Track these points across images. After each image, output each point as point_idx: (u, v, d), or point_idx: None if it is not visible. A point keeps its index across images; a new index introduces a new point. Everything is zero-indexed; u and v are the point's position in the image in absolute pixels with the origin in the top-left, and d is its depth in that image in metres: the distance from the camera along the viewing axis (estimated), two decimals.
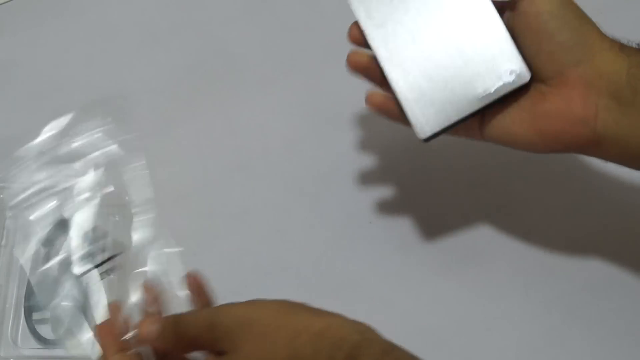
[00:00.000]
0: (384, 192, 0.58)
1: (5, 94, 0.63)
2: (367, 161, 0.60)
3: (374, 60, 0.47)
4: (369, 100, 0.48)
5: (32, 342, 0.52)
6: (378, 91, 0.48)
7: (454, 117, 0.45)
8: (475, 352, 0.53)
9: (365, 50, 0.48)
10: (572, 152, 0.46)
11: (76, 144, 0.61)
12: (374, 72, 0.48)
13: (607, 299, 0.54)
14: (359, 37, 0.48)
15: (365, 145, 0.59)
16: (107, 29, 0.67)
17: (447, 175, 0.59)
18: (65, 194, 0.57)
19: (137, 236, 0.56)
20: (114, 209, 0.57)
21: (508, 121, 0.46)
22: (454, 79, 0.45)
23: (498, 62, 0.45)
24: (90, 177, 0.57)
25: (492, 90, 0.45)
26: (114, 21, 0.68)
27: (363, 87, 0.64)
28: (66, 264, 0.54)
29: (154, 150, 0.60)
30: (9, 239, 0.55)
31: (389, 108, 0.48)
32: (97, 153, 0.59)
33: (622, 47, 0.43)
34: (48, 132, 0.61)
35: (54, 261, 0.54)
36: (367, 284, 0.55)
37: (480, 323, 0.54)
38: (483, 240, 0.56)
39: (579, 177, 0.58)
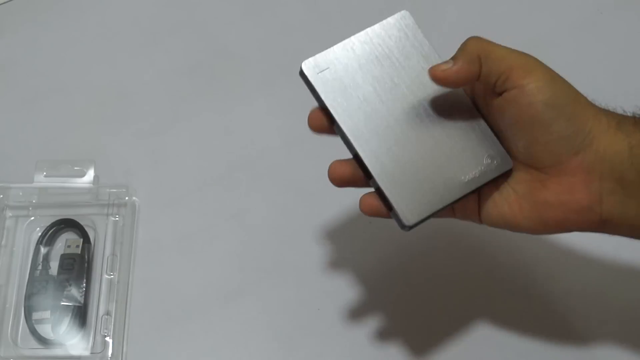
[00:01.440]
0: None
1: (5, 93, 0.63)
2: None
3: (354, 160, 0.45)
4: (363, 204, 0.45)
5: (32, 342, 0.52)
6: (368, 193, 0.45)
7: (436, 205, 0.43)
8: None
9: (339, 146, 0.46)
10: (578, 231, 0.44)
11: (76, 144, 0.61)
12: (358, 178, 0.45)
13: None
14: (321, 124, 0.45)
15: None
16: (107, 29, 0.67)
17: None
18: (65, 194, 0.57)
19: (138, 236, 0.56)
20: (114, 209, 0.57)
21: (507, 209, 0.44)
22: (434, 168, 0.44)
23: (477, 150, 0.44)
24: (89, 177, 0.57)
25: (474, 177, 0.44)
26: (114, 21, 0.68)
27: None
28: (66, 264, 0.54)
29: (153, 151, 0.60)
30: (9, 239, 0.55)
31: (379, 208, 0.45)
32: (96, 153, 0.59)
33: (619, 125, 0.41)
34: (48, 131, 0.61)
35: (54, 261, 0.54)
36: (367, 283, 0.55)
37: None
38: (485, 233, 0.56)
39: None
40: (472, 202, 0.45)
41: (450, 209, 0.45)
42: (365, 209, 0.45)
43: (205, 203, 0.58)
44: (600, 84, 0.64)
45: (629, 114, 0.43)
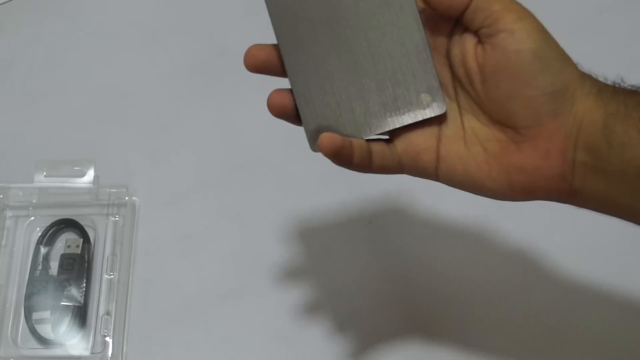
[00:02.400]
0: (384, 192, 0.58)
1: (5, 93, 0.63)
2: None
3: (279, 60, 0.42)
4: (271, 99, 0.43)
5: (32, 342, 0.52)
6: (282, 90, 0.43)
7: (354, 137, 0.41)
8: None
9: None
10: (544, 200, 0.42)
11: (76, 144, 0.61)
12: (275, 68, 0.43)
13: None
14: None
15: None
16: (107, 29, 0.67)
17: None
18: (66, 194, 0.57)
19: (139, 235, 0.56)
20: (114, 209, 0.57)
21: (474, 167, 0.41)
22: (362, 98, 0.41)
23: (413, 87, 0.41)
24: (89, 177, 0.57)
25: (400, 115, 0.41)
26: (114, 21, 0.68)
27: None
28: (66, 263, 0.54)
29: (154, 151, 0.60)
30: (9, 239, 0.55)
31: (288, 111, 0.43)
32: (96, 153, 0.59)
33: (599, 92, 0.39)
34: (48, 131, 0.61)
35: (54, 261, 0.54)
36: (367, 283, 0.55)
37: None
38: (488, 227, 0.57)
39: None
40: (428, 153, 0.42)
41: (397, 164, 0.42)
42: (273, 108, 0.43)
43: (205, 203, 0.58)
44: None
45: (609, 82, 0.40)
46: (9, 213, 0.56)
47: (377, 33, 0.41)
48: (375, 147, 0.42)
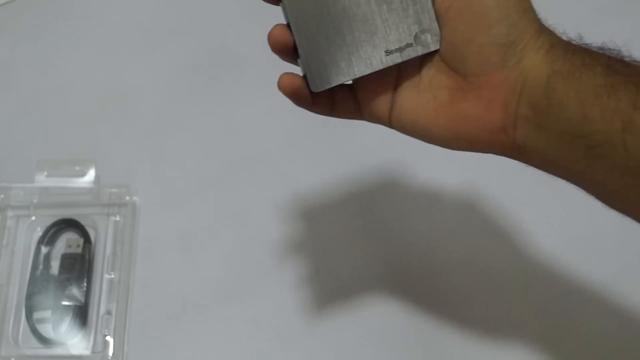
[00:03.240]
0: (384, 192, 0.58)
1: (6, 94, 0.63)
2: (367, 161, 0.60)
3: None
4: (271, 36, 0.44)
5: (33, 342, 0.52)
6: (283, 26, 0.43)
7: (353, 74, 0.41)
8: None
9: None
10: (489, 152, 0.42)
11: (77, 144, 0.61)
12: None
13: None
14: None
15: (365, 144, 0.59)
16: (107, 30, 0.67)
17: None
18: (66, 194, 0.57)
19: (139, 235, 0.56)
20: (115, 208, 0.57)
21: (422, 115, 0.42)
22: (360, 33, 0.41)
23: (410, 24, 0.41)
24: (90, 177, 0.58)
25: (399, 52, 0.41)
26: (114, 22, 0.68)
27: None
28: (67, 263, 0.54)
29: (154, 151, 0.61)
30: (10, 239, 0.55)
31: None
32: (97, 153, 0.59)
33: (551, 48, 0.39)
34: (49, 131, 0.61)
35: (55, 261, 0.54)
36: (368, 283, 0.55)
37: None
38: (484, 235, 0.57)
39: None
40: (383, 101, 0.43)
41: (356, 109, 0.43)
42: (273, 42, 0.43)
43: (206, 203, 0.58)
44: None
45: (564, 39, 0.40)
46: (10, 213, 0.56)
47: None
48: (339, 93, 0.43)
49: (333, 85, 0.41)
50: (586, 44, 0.40)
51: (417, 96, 0.42)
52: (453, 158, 0.60)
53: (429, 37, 0.42)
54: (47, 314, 0.52)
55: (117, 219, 0.56)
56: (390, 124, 0.43)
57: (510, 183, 0.59)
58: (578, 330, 0.53)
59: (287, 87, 0.42)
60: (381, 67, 0.41)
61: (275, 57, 0.68)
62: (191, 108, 0.63)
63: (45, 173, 0.58)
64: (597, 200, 0.39)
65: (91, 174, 0.58)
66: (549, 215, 0.57)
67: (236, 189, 0.59)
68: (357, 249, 0.56)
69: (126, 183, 0.58)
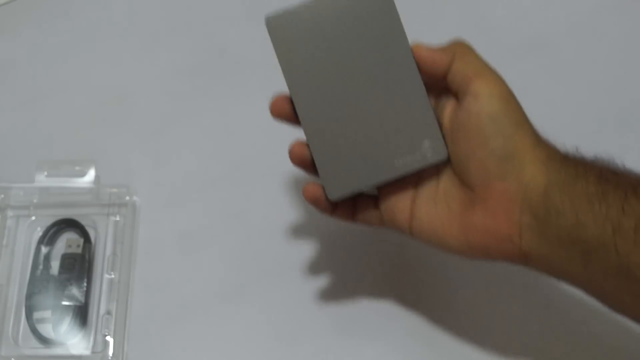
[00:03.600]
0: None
1: (6, 93, 0.63)
2: None
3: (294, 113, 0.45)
4: (291, 152, 0.47)
5: (33, 342, 0.52)
6: (302, 142, 0.46)
7: (363, 184, 0.44)
8: None
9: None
10: (502, 261, 0.44)
11: (77, 144, 0.61)
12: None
13: None
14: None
15: None
16: (107, 30, 0.67)
17: None
18: (66, 194, 0.57)
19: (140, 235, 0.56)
20: (115, 208, 0.57)
21: (439, 225, 0.45)
22: (370, 145, 0.44)
23: (418, 136, 0.44)
24: (90, 177, 0.58)
25: (407, 161, 0.44)
26: (114, 21, 0.68)
27: None
28: (67, 263, 0.54)
29: (154, 151, 0.61)
30: (10, 239, 0.55)
31: (307, 164, 0.47)
32: (97, 153, 0.59)
33: (548, 159, 0.42)
34: (49, 131, 0.61)
35: (55, 261, 0.54)
36: (368, 283, 0.55)
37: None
38: None
39: None
40: (403, 211, 0.46)
41: (378, 217, 0.47)
42: (293, 158, 0.47)
43: (206, 203, 0.58)
44: (600, 84, 0.65)
45: (561, 150, 0.43)
46: (10, 213, 0.56)
47: (381, 85, 0.44)
48: (361, 202, 0.47)
49: (347, 195, 0.44)
50: (581, 155, 0.43)
51: (434, 206, 0.45)
52: None
53: (435, 149, 0.44)
54: (47, 314, 0.52)
55: (117, 219, 0.56)
56: (411, 234, 0.46)
57: None
58: (578, 329, 0.53)
59: (310, 196, 0.47)
60: (391, 177, 0.44)
61: (274, 58, 0.68)
62: (191, 108, 0.63)
63: (45, 173, 0.58)
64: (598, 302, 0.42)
65: (91, 174, 0.58)
66: None
67: (236, 189, 0.59)
68: (358, 248, 0.56)
69: (126, 183, 0.58)
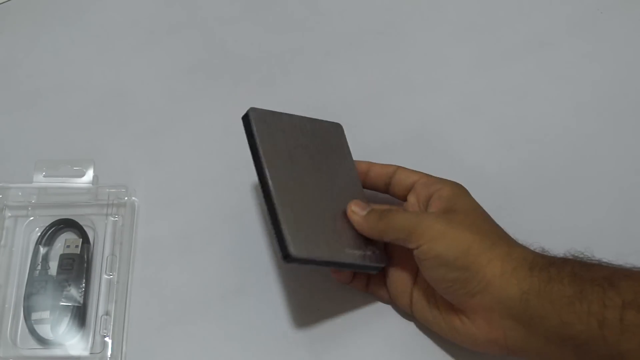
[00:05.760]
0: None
1: (4, 93, 0.63)
2: (366, 159, 0.59)
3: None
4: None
5: (31, 342, 0.52)
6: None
7: (324, 257, 0.47)
8: None
9: None
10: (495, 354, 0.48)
11: (75, 144, 0.61)
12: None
13: None
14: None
15: (364, 143, 0.59)
16: (106, 29, 0.67)
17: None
18: (65, 194, 0.57)
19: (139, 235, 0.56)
20: (113, 209, 0.57)
21: (431, 320, 0.49)
22: (330, 229, 0.49)
23: (368, 241, 0.50)
24: (89, 177, 0.57)
25: (355, 255, 0.49)
26: (114, 21, 0.68)
27: (363, 86, 0.64)
28: (65, 264, 0.54)
29: (153, 151, 0.60)
30: (8, 239, 0.55)
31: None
32: (95, 153, 0.59)
33: (514, 270, 0.45)
34: (47, 131, 0.61)
35: (53, 261, 0.54)
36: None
37: None
38: None
39: None
40: (404, 297, 0.51)
41: (387, 295, 0.52)
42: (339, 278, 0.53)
43: (205, 203, 0.58)
44: (600, 84, 0.64)
45: (530, 254, 0.46)
46: (8, 213, 0.56)
47: (339, 183, 0.52)
48: (374, 278, 0.52)
49: (304, 257, 0.47)
50: (550, 255, 0.46)
51: (427, 301, 0.50)
52: (453, 160, 0.60)
53: (377, 257, 0.50)
54: (45, 314, 0.52)
55: (116, 219, 0.56)
56: (413, 316, 0.51)
57: (510, 183, 0.59)
58: None
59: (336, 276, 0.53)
60: (345, 262, 0.49)
61: (275, 57, 0.68)
62: (190, 108, 0.63)
63: (44, 173, 0.57)
64: None
65: (89, 174, 0.58)
66: (551, 216, 0.57)
67: (236, 189, 0.59)
68: None
69: (125, 183, 0.57)
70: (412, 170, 0.52)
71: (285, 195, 0.47)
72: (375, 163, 0.54)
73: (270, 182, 0.47)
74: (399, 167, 0.53)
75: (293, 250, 0.46)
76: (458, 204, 0.48)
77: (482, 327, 0.46)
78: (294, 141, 0.51)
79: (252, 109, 0.50)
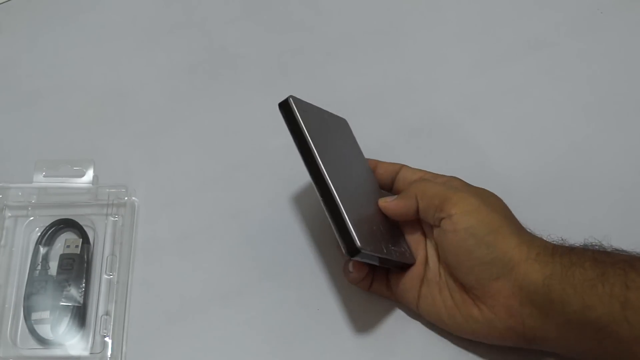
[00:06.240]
0: (385, 192, 0.58)
1: (4, 93, 0.63)
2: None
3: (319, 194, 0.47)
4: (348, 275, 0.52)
5: (31, 342, 0.52)
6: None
7: (382, 253, 0.47)
8: None
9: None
10: (505, 344, 0.48)
11: (75, 144, 0.61)
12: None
13: None
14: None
15: (364, 143, 0.58)
16: (105, 29, 0.67)
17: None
18: (65, 194, 0.57)
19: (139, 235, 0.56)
20: (113, 209, 0.57)
21: (443, 312, 0.49)
22: (377, 226, 0.49)
23: (397, 237, 0.51)
24: (89, 177, 0.57)
25: (398, 255, 0.49)
26: (114, 21, 0.68)
27: (363, 86, 0.64)
28: (65, 264, 0.54)
29: (153, 151, 0.60)
30: (8, 239, 0.55)
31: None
32: (95, 153, 0.59)
33: (538, 256, 0.45)
34: (47, 131, 0.61)
35: (53, 261, 0.54)
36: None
37: None
38: None
39: None
40: (412, 291, 0.50)
41: (389, 291, 0.52)
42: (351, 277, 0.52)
43: (205, 203, 0.58)
44: (600, 84, 0.65)
45: (550, 243, 0.47)
46: (8, 213, 0.56)
47: (365, 177, 0.53)
48: (377, 274, 0.52)
49: (371, 253, 0.46)
50: (570, 244, 0.47)
51: (439, 293, 0.49)
52: (453, 160, 0.60)
53: (409, 253, 0.51)
54: (45, 314, 0.52)
55: (116, 219, 0.56)
56: (417, 312, 0.51)
57: (510, 183, 0.59)
58: None
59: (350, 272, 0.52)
60: (392, 257, 0.48)
61: (275, 57, 0.68)
62: (190, 108, 0.63)
63: (44, 173, 0.57)
64: None
65: (89, 174, 0.58)
66: (551, 216, 0.57)
67: (235, 189, 0.59)
68: None
69: (125, 183, 0.57)
70: (416, 169, 0.53)
71: (341, 190, 0.46)
72: (381, 161, 0.54)
73: (327, 177, 0.46)
74: (403, 165, 0.53)
75: (361, 244, 0.45)
76: (479, 192, 0.49)
77: (500, 314, 0.46)
78: (328, 133, 0.50)
79: (293, 97, 0.48)
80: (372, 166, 0.54)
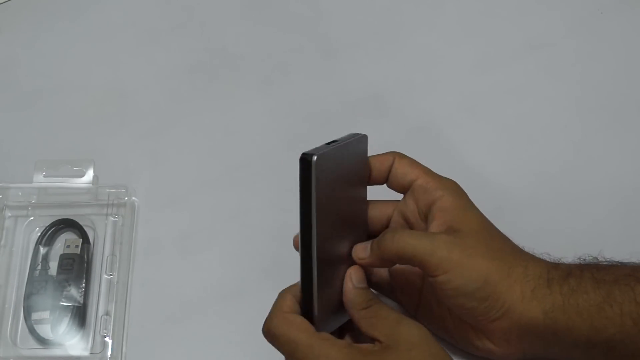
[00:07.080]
0: (382, 190, 0.58)
1: (4, 93, 0.63)
2: None
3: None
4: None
5: (31, 342, 0.52)
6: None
7: (343, 320, 0.47)
8: None
9: None
10: None
11: (75, 144, 0.61)
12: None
13: None
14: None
15: None
16: (107, 29, 0.67)
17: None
18: (65, 194, 0.57)
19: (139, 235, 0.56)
20: (113, 209, 0.57)
21: (441, 325, 0.48)
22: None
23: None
24: (89, 177, 0.57)
25: None
26: (114, 21, 0.68)
27: (362, 86, 0.64)
28: (65, 264, 0.54)
29: (153, 151, 0.60)
30: (8, 239, 0.55)
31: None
32: (95, 153, 0.59)
33: (533, 292, 0.43)
34: (47, 131, 0.61)
35: (53, 261, 0.54)
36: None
37: None
38: None
39: None
40: (411, 297, 0.49)
41: (389, 289, 0.51)
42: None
43: (205, 203, 0.58)
44: (600, 84, 0.64)
45: (544, 269, 0.44)
46: (8, 213, 0.56)
47: (355, 218, 0.49)
48: (377, 272, 0.51)
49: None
50: (564, 265, 0.44)
51: (438, 306, 0.47)
52: (453, 160, 0.60)
53: None
54: (45, 314, 0.52)
55: (116, 219, 0.56)
56: (416, 318, 0.47)
57: (510, 183, 0.59)
58: None
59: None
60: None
61: (275, 57, 0.68)
62: (190, 108, 0.63)
63: (44, 173, 0.57)
64: None
65: (89, 174, 0.58)
66: (551, 216, 0.57)
67: (235, 189, 0.59)
68: None
69: (125, 183, 0.57)
70: (410, 165, 0.48)
71: (322, 262, 0.45)
72: (373, 156, 0.49)
73: (314, 250, 0.45)
74: (396, 156, 0.49)
75: (320, 327, 0.45)
76: (464, 221, 0.45)
77: (500, 344, 0.45)
78: (337, 180, 0.47)
79: (319, 156, 0.44)
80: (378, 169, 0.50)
